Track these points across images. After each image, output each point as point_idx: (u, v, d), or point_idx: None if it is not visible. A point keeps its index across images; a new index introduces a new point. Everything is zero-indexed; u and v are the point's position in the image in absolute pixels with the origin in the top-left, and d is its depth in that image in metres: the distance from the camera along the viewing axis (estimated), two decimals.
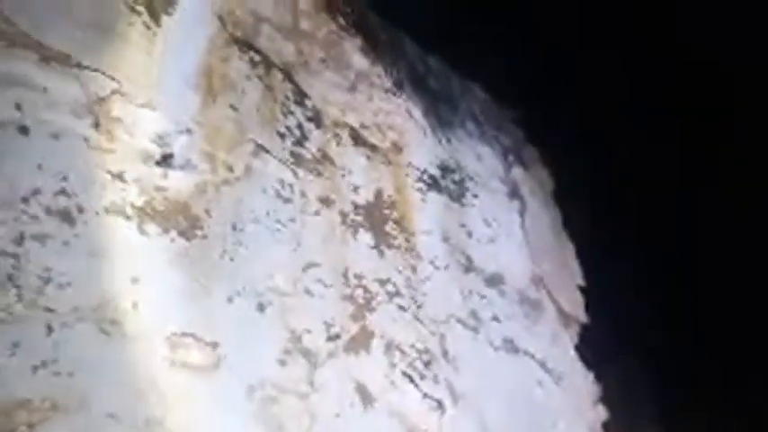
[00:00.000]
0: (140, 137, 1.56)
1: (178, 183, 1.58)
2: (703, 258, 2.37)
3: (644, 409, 2.23)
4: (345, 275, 1.78)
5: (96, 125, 1.49)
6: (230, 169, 1.69)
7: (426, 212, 2.09)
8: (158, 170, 1.56)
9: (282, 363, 1.54)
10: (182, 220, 1.56)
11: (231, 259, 1.59)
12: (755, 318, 2.25)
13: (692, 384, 2.33)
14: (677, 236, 2.45)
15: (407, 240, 1.99)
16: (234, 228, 1.63)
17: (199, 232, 1.59)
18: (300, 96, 1.94)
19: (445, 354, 1.85)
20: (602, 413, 2.07)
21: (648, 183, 2.50)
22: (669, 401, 2.25)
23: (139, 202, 1.48)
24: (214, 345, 1.45)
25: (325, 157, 1.94)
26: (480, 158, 2.40)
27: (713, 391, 2.30)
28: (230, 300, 1.53)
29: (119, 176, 1.48)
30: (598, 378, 2.15)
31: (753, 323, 2.26)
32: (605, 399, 2.09)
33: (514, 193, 2.40)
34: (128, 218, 1.45)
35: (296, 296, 1.65)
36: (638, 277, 2.44)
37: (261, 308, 1.57)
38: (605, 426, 2.03)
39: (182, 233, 1.55)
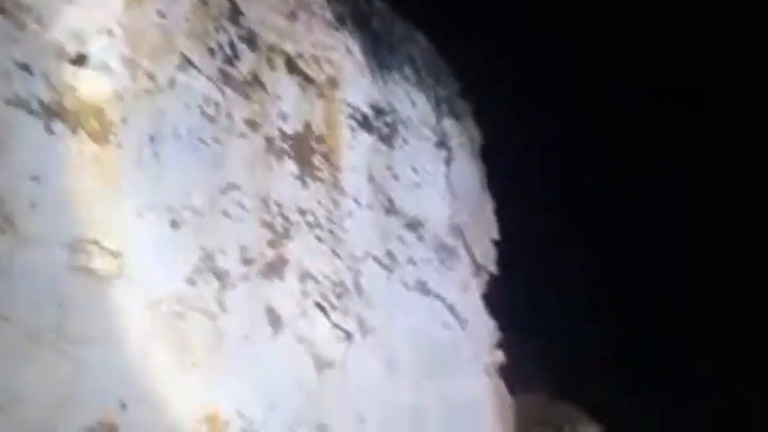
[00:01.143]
0: (53, 30, 1.45)
1: (93, 85, 1.48)
2: (620, 220, 2.52)
3: (538, 360, 2.38)
4: (266, 202, 1.76)
5: (2, 11, 1.36)
6: (152, 79, 1.61)
7: (355, 150, 2.08)
8: (71, 68, 1.46)
9: (192, 281, 1.52)
10: (94, 124, 1.47)
11: (146, 171, 1.52)
12: (660, 278, 2.43)
13: (585, 343, 2.51)
14: (597, 200, 2.58)
15: (333, 175, 1.98)
16: (151, 139, 1.56)
17: (113, 138, 1.51)
18: (236, 15, 1.85)
19: (358, 288, 1.88)
20: (499, 357, 2.19)
21: (572, 148, 2.61)
22: (561, 357, 2.41)
23: (47, 99, 1.39)
24: (118, 254, 1.40)
25: (255, 81, 1.87)
26: (414, 105, 2.40)
27: (606, 348, 2.49)
28: (141, 212, 1.48)
29: (25, 68, 1.37)
30: (499, 327, 2.27)
31: (657, 283, 2.44)
32: (503, 346, 2.21)
33: (443, 144, 2.43)
34: (32, 113, 1.36)
35: (212, 216, 1.61)
36: (553, 237, 2.57)
37: (174, 224, 1.52)
38: (500, 369, 2.16)
39: (93, 137, 1.47)
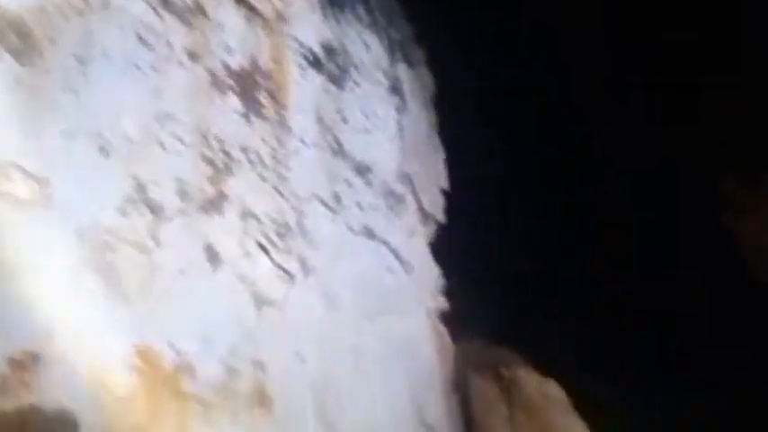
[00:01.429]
0: None
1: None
2: (568, 174, 2.55)
3: (480, 307, 2.43)
4: (206, 136, 1.69)
5: None
6: None
7: (303, 89, 2.02)
8: None
9: (123, 212, 1.46)
10: (15, 41, 1.37)
11: (74, 95, 1.44)
12: (604, 235, 2.47)
13: (528, 292, 2.57)
14: (549, 150, 2.60)
15: (279, 114, 1.92)
16: (80, 61, 1.47)
17: (39, 60, 1.42)
18: None
19: (302, 229, 1.86)
20: (442, 303, 2.22)
21: (525, 100, 2.60)
22: (504, 305, 2.46)
23: None
24: (44, 181, 1.33)
25: (197, 8, 1.78)
26: (367, 48, 2.34)
27: (550, 298, 2.55)
28: (68, 137, 1.40)
29: None
30: (444, 274, 2.29)
31: (601, 241, 2.48)
32: (447, 292, 2.24)
33: (395, 89, 2.39)
34: None
35: (147, 146, 1.54)
36: (503, 186, 2.58)
37: (103, 151, 1.45)
38: (443, 315, 2.19)
39: (16, 55, 1.37)
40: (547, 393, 2.06)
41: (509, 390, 2.06)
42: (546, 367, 2.11)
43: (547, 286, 2.49)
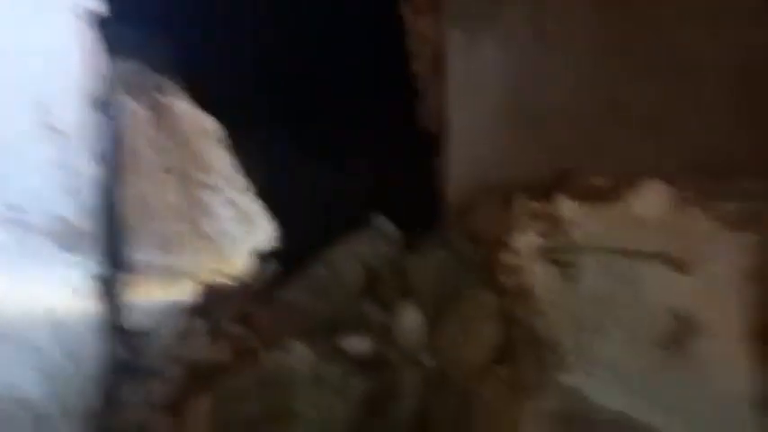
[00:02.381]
0: None
1: None
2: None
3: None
4: None
5: None
6: None
7: None
8: None
9: None
10: None
11: None
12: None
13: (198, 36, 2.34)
14: None
15: None
16: None
17: None
18: None
19: None
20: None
21: None
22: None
23: None
24: None
25: None
26: None
27: (217, 44, 2.34)
28: None
29: None
30: None
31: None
32: None
33: None
34: None
35: None
36: None
37: None
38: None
39: None
40: (200, 125, 2.06)
41: (160, 114, 1.99)
42: (201, 102, 2.07)
43: (217, 33, 2.32)
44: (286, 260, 1.71)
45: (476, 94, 1.75)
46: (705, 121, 1.50)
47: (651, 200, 1.47)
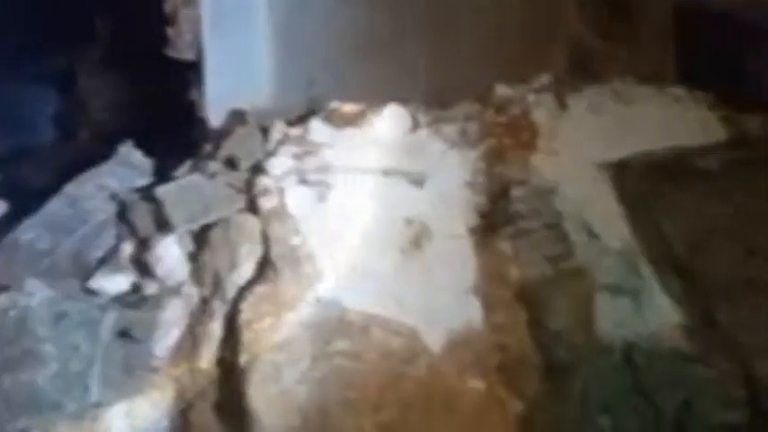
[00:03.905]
0: None
1: None
2: None
3: None
4: None
5: None
6: None
7: None
8: None
9: None
10: None
11: None
12: None
13: None
14: None
15: None
16: None
17: None
18: None
19: None
20: None
21: None
22: None
23: None
24: None
25: None
26: None
27: None
28: None
29: None
30: None
31: None
32: None
33: None
34: None
35: None
36: None
37: None
38: None
39: None
40: None
41: None
42: None
43: None
44: (18, 198, 1.55)
45: (233, 20, 1.74)
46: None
47: (392, 124, 1.64)
